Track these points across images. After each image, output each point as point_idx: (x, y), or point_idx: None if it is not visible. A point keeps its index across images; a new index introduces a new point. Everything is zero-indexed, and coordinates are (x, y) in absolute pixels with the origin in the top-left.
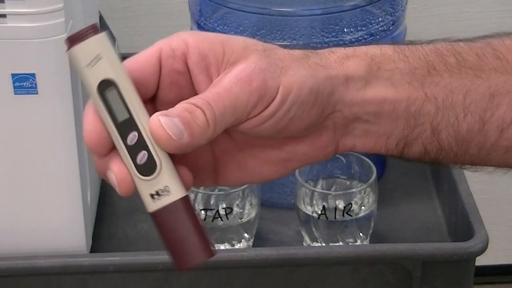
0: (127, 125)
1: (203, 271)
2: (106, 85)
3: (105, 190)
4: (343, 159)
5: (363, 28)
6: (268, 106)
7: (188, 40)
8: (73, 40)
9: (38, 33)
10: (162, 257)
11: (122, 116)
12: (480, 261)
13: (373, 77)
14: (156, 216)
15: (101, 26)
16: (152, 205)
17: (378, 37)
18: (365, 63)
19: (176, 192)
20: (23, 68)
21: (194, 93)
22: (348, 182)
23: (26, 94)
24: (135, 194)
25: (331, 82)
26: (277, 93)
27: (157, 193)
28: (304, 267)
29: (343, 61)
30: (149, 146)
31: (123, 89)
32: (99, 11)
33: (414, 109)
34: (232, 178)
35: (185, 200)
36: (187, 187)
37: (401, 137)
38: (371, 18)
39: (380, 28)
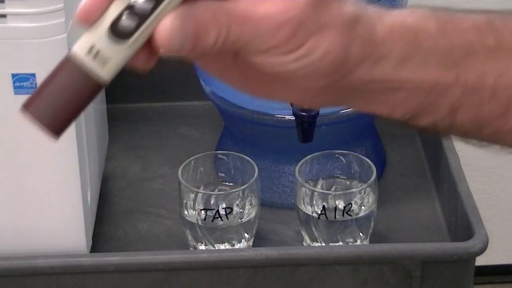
0: None
1: (203, 271)
2: None
3: (105, 190)
4: (343, 159)
5: None
6: (281, 55)
7: None
8: None
9: (38, 33)
10: (162, 257)
11: None
12: (480, 261)
13: (408, 56)
14: (71, 60)
15: None
16: (81, 50)
17: None
18: (406, 40)
19: (105, 73)
20: (23, 68)
21: None
22: (348, 182)
23: (26, 94)
24: (136, 195)
25: (360, 59)
26: (297, 50)
27: (97, 53)
28: (304, 267)
29: (385, 37)
30: (144, 26)
31: None
32: None
33: (439, 90)
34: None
35: (101, 83)
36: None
37: (412, 109)
38: None
39: None
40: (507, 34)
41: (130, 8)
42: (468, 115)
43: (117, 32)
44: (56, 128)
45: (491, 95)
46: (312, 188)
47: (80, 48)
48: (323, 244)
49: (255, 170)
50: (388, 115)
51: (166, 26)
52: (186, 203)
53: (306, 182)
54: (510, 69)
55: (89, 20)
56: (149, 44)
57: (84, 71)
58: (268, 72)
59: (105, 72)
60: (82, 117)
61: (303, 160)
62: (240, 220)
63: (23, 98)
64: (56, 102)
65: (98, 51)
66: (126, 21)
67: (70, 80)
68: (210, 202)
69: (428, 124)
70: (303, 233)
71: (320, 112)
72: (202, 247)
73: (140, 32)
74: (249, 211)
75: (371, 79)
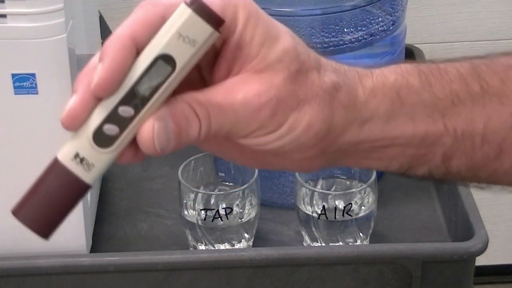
0: (136, 99)
1: (203, 271)
2: (167, 59)
3: (105, 190)
4: None
5: (363, 28)
6: (264, 135)
7: (243, 21)
8: (201, 9)
9: (38, 33)
10: (162, 257)
11: (143, 89)
12: (480, 261)
13: (393, 114)
14: (57, 167)
15: (101, 26)
16: (66, 157)
17: (378, 37)
18: (390, 99)
19: (90, 177)
20: (23, 68)
21: (207, 69)
22: (348, 182)
23: (26, 94)
24: (136, 194)
25: (345, 125)
26: (279, 128)
27: (82, 159)
28: (304, 267)
29: (368, 99)
30: (126, 132)
31: (172, 79)
32: (99, 11)
33: (429, 141)
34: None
35: (87, 187)
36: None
37: (406, 162)
38: (371, 18)
39: (380, 28)
40: (491, 79)
41: (111, 115)
42: (462, 161)
43: (99, 140)
44: (45, 231)
45: (482, 140)
46: (312, 188)
47: (66, 154)
48: (323, 244)
49: (255, 170)
50: (384, 169)
51: (147, 131)
52: (186, 203)
53: (306, 182)
54: (498, 112)
55: (73, 126)
56: (134, 143)
57: (70, 176)
58: (255, 149)
59: (91, 176)
60: None
61: None
62: (240, 220)
63: (23, 98)
64: (44, 207)
65: (83, 157)
66: (108, 129)
67: (57, 185)
68: (210, 202)
69: (425, 173)
70: (303, 233)
71: None
72: (202, 247)
73: (123, 138)
74: (249, 211)
75: (360, 141)
